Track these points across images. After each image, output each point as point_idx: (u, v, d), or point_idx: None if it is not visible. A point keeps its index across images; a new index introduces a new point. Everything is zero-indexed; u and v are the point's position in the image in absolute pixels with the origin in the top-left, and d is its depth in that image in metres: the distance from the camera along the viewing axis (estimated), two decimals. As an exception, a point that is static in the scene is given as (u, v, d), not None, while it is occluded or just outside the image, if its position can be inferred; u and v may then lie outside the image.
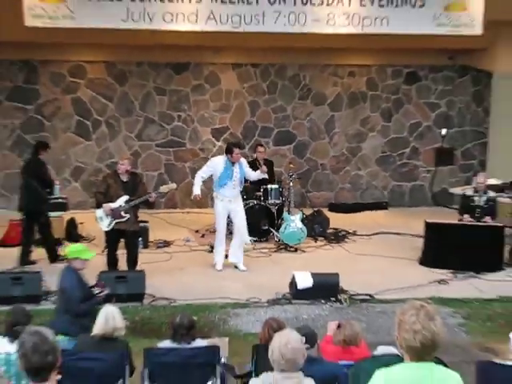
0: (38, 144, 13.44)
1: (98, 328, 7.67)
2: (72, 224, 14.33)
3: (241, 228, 13.05)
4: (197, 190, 12.87)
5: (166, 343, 7.82)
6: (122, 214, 11.87)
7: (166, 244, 14.26)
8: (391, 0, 14.14)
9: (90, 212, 13.86)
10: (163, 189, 12.78)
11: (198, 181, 12.90)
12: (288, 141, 16.94)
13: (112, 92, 16.20)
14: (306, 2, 13.93)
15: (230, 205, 12.87)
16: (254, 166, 13.82)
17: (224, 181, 12.75)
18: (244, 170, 13.00)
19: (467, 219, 13.53)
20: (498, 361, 6.75)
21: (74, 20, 13.34)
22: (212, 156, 16.59)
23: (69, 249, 9.80)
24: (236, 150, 12.81)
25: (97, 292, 9.68)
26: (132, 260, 12.11)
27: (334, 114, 17.04)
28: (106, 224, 11.94)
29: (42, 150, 13.16)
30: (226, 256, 13.55)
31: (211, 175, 12.92)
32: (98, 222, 12.03)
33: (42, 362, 4.45)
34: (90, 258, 9.74)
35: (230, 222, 13.41)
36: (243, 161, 13.04)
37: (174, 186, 13.10)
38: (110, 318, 7.64)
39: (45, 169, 13.15)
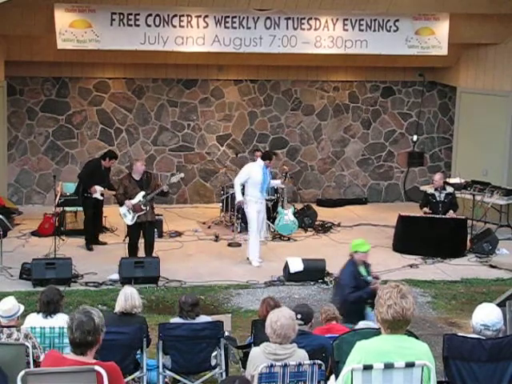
0: (106, 153, 13.57)
1: (119, 306, 7.61)
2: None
3: (262, 226, 12.85)
4: (239, 196, 12.50)
5: (177, 319, 7.79)
6: (142, 207, 11.79)
7: (178, 234, 14.20)
8: (369, 25, 14.12)
9: (112, 207, 13.82)
10: (173, 179, 12.66)
11: (238, 188, 12.48)
12: (282, 146, 16.90)
13: (131, 104, 16.16)
14: (297, 27, 13.92)
15: (261, 206, 12.64)
16: None
17: (262, 185, 12.42)
18: (270, 176, 12.86)
19: (427, 212, 13.55)
20: (461, 334, 6.75)
21: (99, 43, 13.33)
22: (216, 158, 16.60)
23: (352, 243, 9.17)
24: (273, 157, 12.64)
25: (370, 283, 9.00)
26: (149, 247, 12.06)
27: (321, 122, 17.00)
28: (129, 219, 11.79)
29: (109, 159, 13.22)
30: (230, 244, 13.53)
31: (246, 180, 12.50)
32: (122, 217, 11.89)
33: (82, 339, 4.30)
34: (367, 250, 9.05)
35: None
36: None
37: (182, 175, 12.96)
38: (129, 298, 7.57)
39: (89, 173, 13.12)
